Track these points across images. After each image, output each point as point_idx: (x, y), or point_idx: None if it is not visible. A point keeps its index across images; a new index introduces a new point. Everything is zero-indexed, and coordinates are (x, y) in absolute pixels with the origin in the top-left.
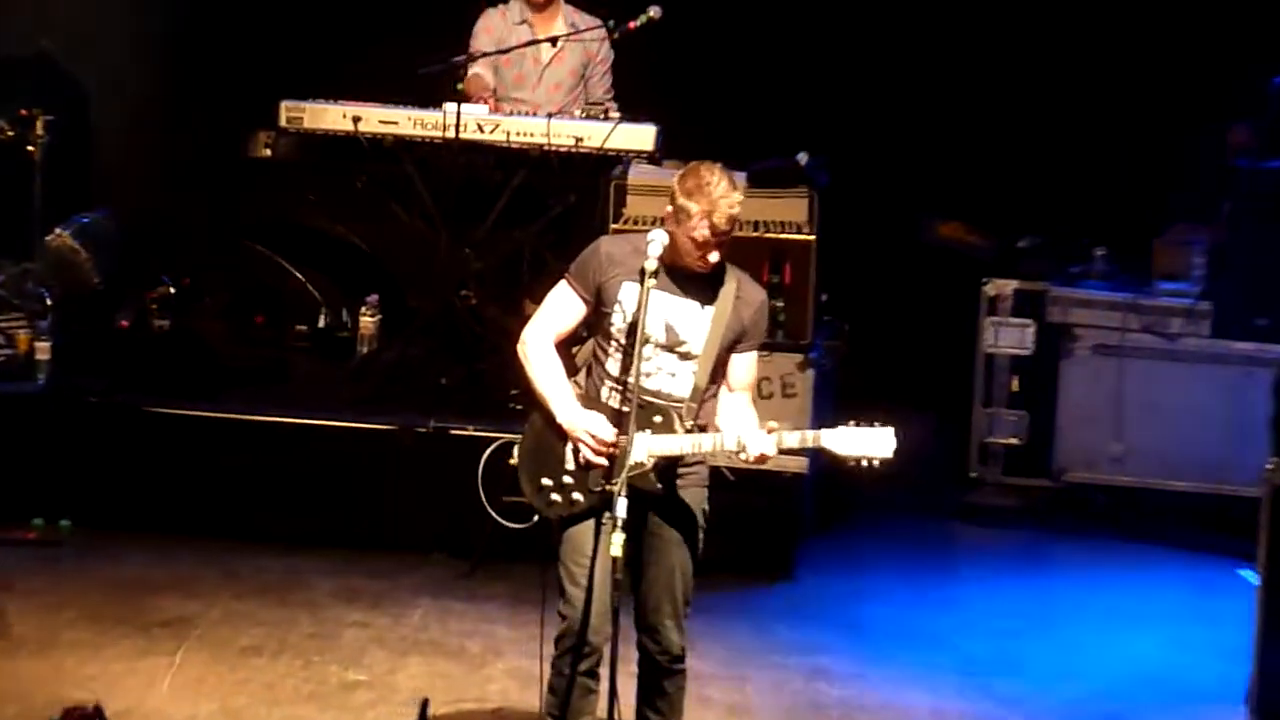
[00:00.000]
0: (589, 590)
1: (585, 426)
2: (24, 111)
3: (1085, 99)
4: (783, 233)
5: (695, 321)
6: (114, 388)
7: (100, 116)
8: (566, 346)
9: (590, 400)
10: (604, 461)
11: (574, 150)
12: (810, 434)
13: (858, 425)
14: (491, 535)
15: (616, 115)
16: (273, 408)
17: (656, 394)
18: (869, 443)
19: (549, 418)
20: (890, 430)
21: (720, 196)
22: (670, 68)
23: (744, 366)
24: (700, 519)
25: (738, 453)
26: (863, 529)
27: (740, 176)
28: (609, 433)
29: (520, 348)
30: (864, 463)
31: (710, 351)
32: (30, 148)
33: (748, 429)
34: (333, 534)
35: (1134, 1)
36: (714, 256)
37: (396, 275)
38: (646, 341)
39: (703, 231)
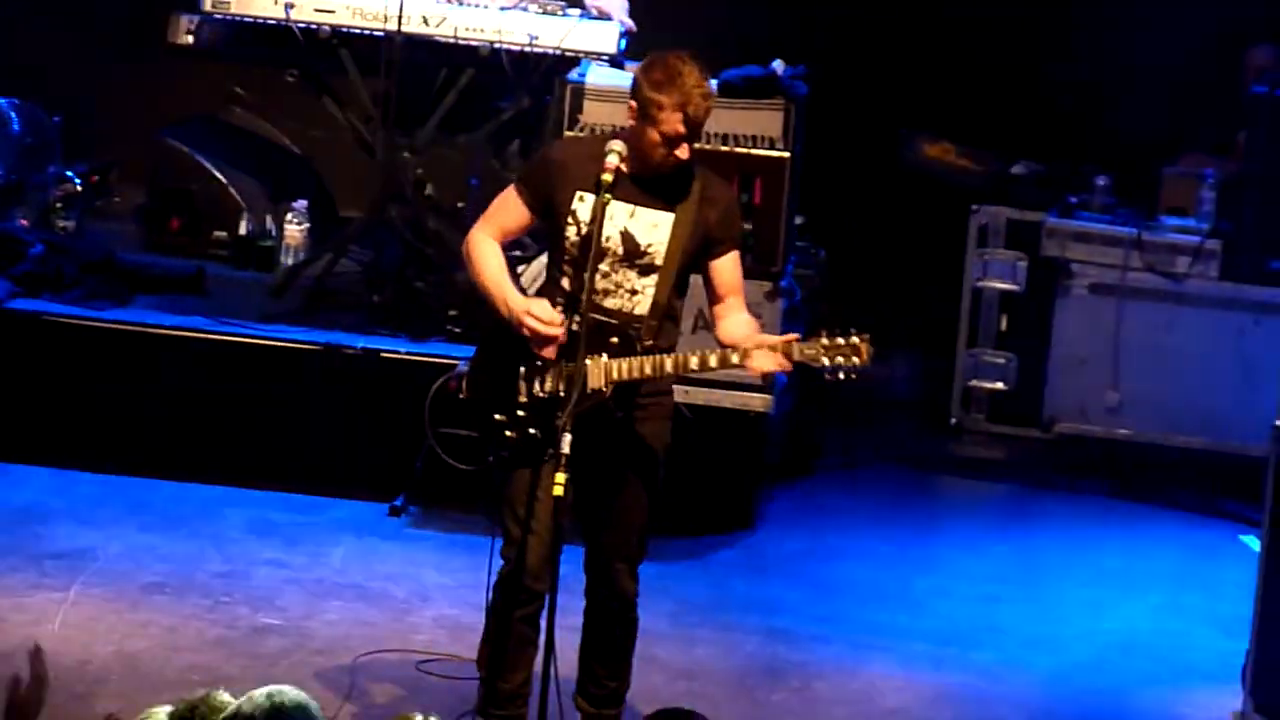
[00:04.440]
0: (534, 534)
1: (524, 309)
2: None
3: (1091, 13)
4: (754, 148)
5: (656, 228)
6: (10, 294)
7: None
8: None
9: None
10: (552, 340)
11: (527, 49)
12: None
13: (830, 336)
14: (423, 469)
15: (576, 11)
16: (186, 321)
17: (615, 313)
18: (841, 351)
19: (499, 345)
20: (866, 338)
21: (694, 86)
22: None
23: (724, 270)
24: (662, 454)
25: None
26: (832, 478)
27: (710, 85)
28: (553, 313)
29: (464, 248)
30: (840, 374)
31: (673, 260)
32: None
33: (746, 340)
34: (248, 463)
35: None
36: (683, 153)
37: (328, 180)
38: (603, 257)
39: (675, 125)
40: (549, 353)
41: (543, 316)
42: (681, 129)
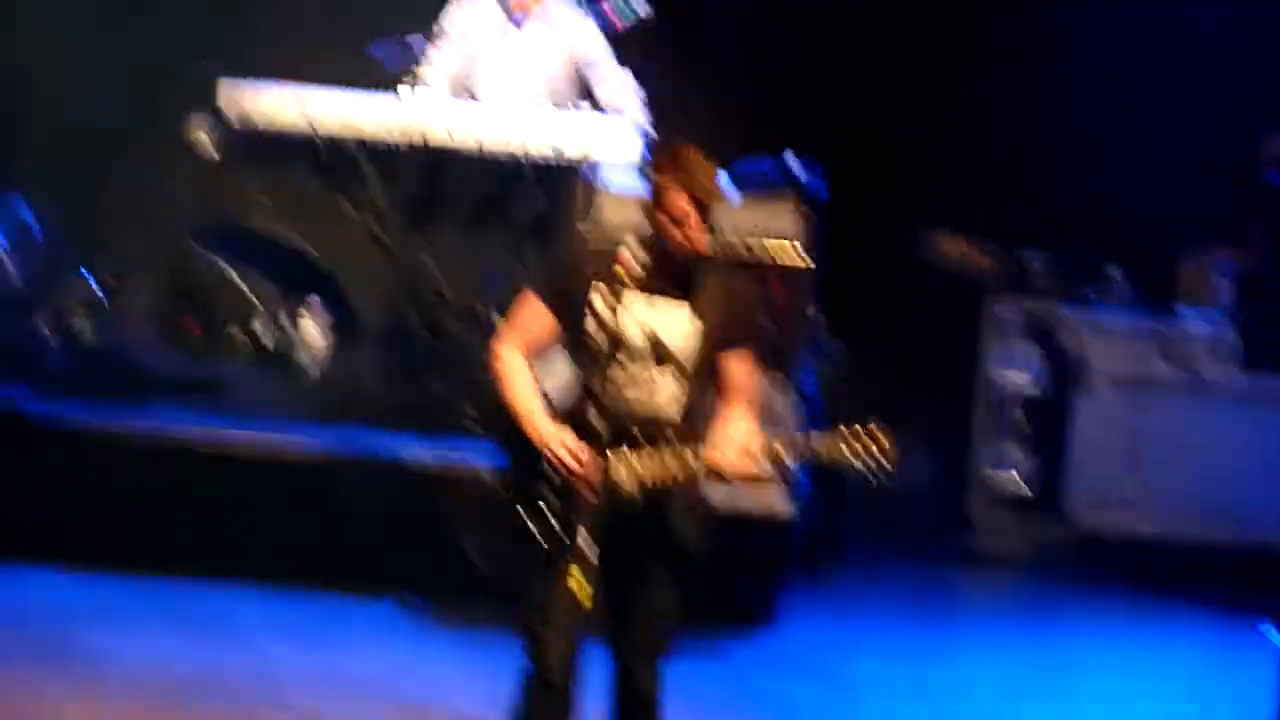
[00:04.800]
0: (556, 631)
1: (553, 437)
2: None
3: (1104, 103)
4: (771, 243)
5: (675, 320)
6: (30, 397)
7: (19, 87)
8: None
9: (568, 420)
10: (582, 476)
11: (544, 152)
12: (800, 437)
13: (851, 431)
14: (445, 566)
15: (586, 104)
16: (205, 423)
17: (637, 406)
18: (862, 444)
19: (526, 442)
20: (886, 430)
21: (697, 166)
22: (652, 65)
23: (735, 370)
24: (692, 552)
25: (708, 473)
26: (852, 574)
27: (728, 182)
28: (576, 443)
29: (491, 363)
30: (864, 470)
31: (692, 352)
32: None
33: (723, 443)
34: (268, 562)
35: None
36: (695, 234)
37: (346, 282)
38: (624, 351)
39: (682, 204)
40: (578, 484)
41: (572, 449)
42: (688, 208)
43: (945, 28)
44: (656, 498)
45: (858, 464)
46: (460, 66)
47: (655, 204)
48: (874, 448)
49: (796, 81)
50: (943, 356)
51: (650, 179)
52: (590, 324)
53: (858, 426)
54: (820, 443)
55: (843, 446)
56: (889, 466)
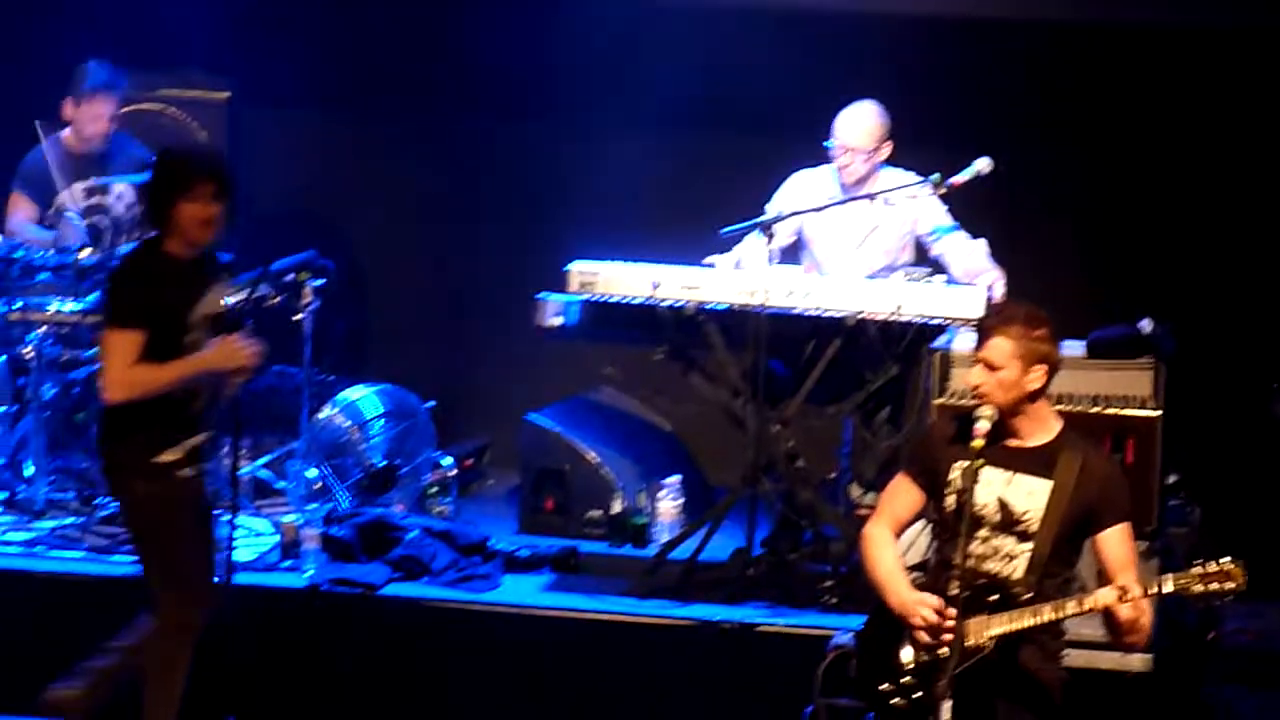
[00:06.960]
0: None
1: (916, 602)
2: (290, 275)
3: None
4: (1125, 408)
5: (1033, 496)
6: (387, 579)
7: (374, 280)
8: None
9: (930, 590)
10: (943, 641)
11: (893, 318)
12: (1154, 581)
13: (1202, 565)
14: None
15: (941, 278)
16: (561, 601)
17: (993, 577)
18: (1214, 578)
19: (885, 616)
20: (1239, 563)
21: (1022, 324)
22: (999, 226)
23: (1111, 545)
24: (1058, 697)
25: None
26: None
27: (1079, 346)
28: (939, 603)
29: (861, 543)
30: (1214, 597)
31: (1049, 528)
32: (297, 315)
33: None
34: None
35: None
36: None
37: (698, 455)
38: (980, 523)
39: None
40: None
41: (932, 605)
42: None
43: None
44: (1017, 650)
45: (1208, 594)
46: (796, 238)
47: (979, 361)
48: (1225, 580)
49: (1147, 239)
50: None
51: (1050, 358)
52: (950, 498)
53: (1206, 562)
54: (1173, 580)
55: (1196, 580)
56: (1239, 591)
